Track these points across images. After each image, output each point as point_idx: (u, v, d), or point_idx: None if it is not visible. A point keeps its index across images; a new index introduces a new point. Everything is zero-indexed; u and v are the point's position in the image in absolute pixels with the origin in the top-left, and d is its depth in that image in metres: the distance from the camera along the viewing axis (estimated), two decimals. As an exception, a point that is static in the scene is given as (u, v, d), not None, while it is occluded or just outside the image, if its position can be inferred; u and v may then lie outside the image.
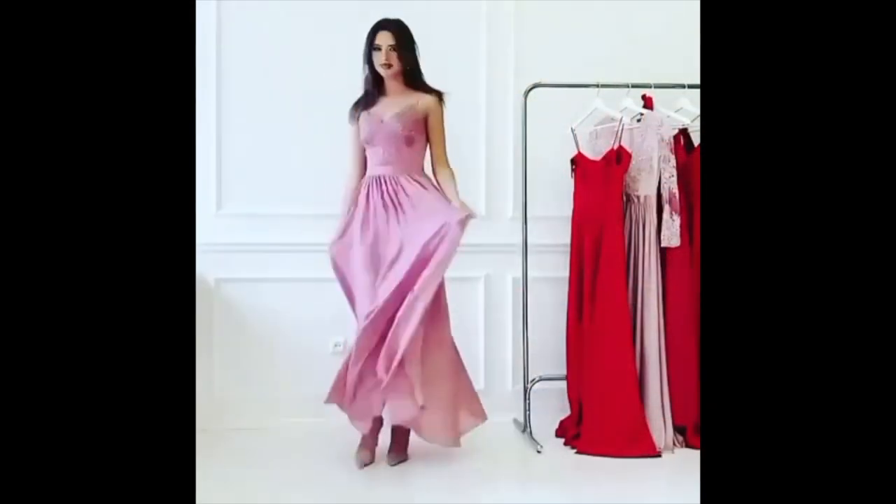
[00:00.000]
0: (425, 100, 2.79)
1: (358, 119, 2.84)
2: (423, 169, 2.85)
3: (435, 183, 2.83)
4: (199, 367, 2.94)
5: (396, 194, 2.76)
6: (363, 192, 2.81)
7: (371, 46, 2.75)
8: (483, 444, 2.96)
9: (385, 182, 2.78)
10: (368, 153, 2.84)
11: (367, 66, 2.80)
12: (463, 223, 2.64)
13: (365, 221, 2.76)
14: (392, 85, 2.80)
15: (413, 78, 2.80)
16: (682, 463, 2.86)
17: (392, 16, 2.76)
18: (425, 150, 2.85)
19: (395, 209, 2.74)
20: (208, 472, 2.57)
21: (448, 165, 2.83)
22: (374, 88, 2.82)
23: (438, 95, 2.80)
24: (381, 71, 2.75)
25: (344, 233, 2.80)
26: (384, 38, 2.73)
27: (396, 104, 2.78)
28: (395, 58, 2.74)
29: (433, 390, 2.64)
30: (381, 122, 2.77)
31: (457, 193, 2.78)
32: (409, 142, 2.78)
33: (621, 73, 3.19)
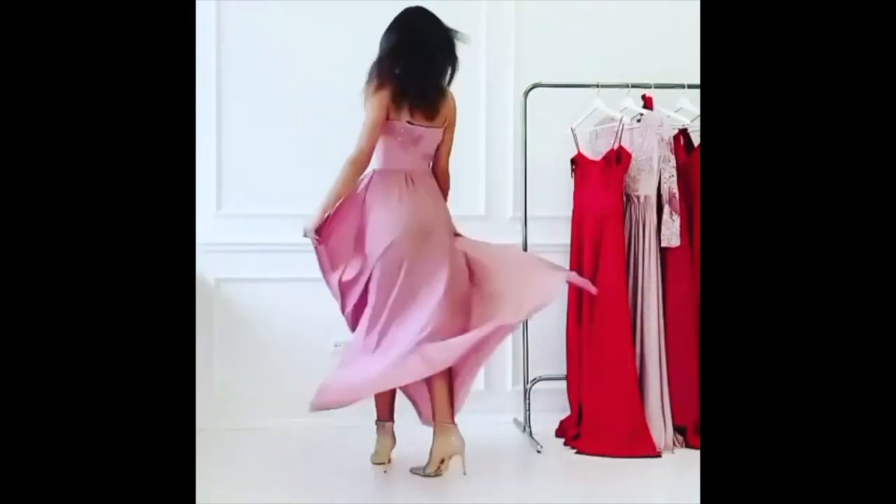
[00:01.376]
0: None
1: None
2: (385, 164, 2.71)
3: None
4: (199, 367, 2.94)
5: None
6: None
7: None
8: (483, 444, 2.96)
9: None
10: None
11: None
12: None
13: None
14: None
15: None
16: (682, 463, 2.86)
17: (392, 15, 2.74)
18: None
19: None
20: (208, 472, 2.57)
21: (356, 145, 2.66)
22: None
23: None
24: None
25: None
26: None
27: None
28: None
29: None
30: None
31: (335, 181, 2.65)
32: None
33: (621, 73, 3.19)
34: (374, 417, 2.78)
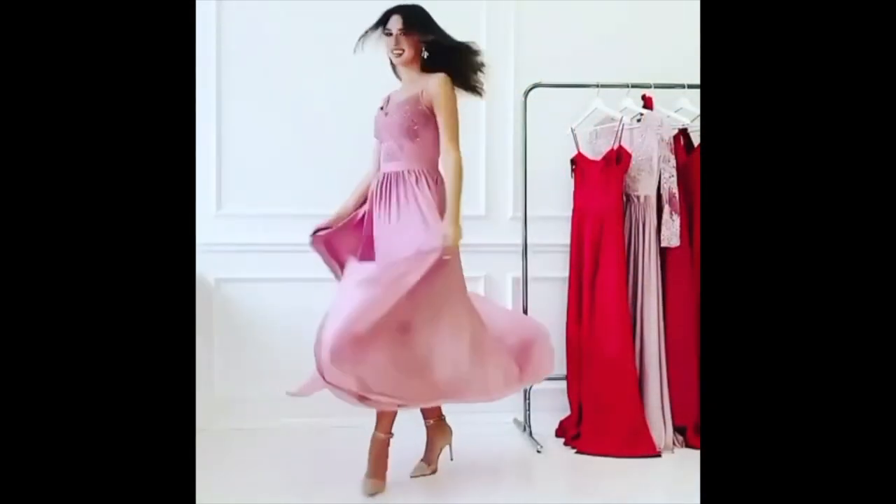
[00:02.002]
0: (432, 82, 2.50)
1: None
2: (437, 164, 2.56)
3: (432, 184, 2.53)
4: (199, 367, 2.94)
5: (391, 196, 2.52)
6: (371, 189, 2.62)
7: (381, 32, 2.56)
8: (483, 444, 2.96)
9: (388, 180, 2.54)
10: (379, 149, 2.63)
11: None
12: (434, 254, 2.37)
13: (367, 220, 2.61)
14: (404, 72, 2.60)
15: (432, 62, 2.56)
16: (682, 463, 2.86)
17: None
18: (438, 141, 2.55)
19: (387, 213, 2.52)
20: (208, 472, 2.57)
21: (454, 151, 2.50)
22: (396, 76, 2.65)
23: (449, 73, 2.52)
24: (392, 58, 2.57)
25: (334, 223, 2.66)
26: (394, 23, 2.53)
27: (405, 92, 2.57)
28: (407, 43, 2.53)
29: None
30: (386, 114, 2.57)
31: (456, 191, 2.46)
32: (413, 135, 2.51)
33: (621, 73, 3.19)
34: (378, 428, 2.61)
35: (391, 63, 2.63)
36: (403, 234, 2.46)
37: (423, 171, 2.53)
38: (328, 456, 2.86)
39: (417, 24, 2.53)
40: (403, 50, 2.53)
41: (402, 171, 2.53)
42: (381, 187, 2.56)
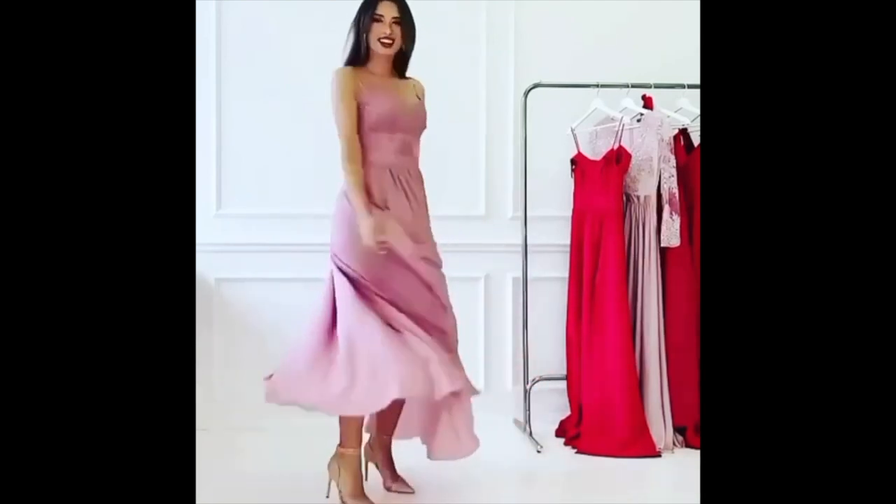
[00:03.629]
0: (422, 90, 2.49)
1: (359, 90, 2.35)
2: None
3: None
4: (199, 367, 2.93)
5: (414, 192, 2.40)
6: (385, 179, 2.37)
7: (368, 16, 2.36)
8: (483, 444, 2.96)
9: (401, 175, 2.38)
10: (378, 138, 2.36)
11: (354, 38, 2.39)
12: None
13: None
14: (381, 66, 2.41)
15: (404, 63, 2.46)
16: (682, 463, 2.86)
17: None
18: None
19: (409, 205, 2.38)
20: (208, 472, 2.57)
21: None
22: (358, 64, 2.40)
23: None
24: (379, 47, 2.35)
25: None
26: (388, 9, 2.34)
27: (402, 89, 2.43)
28: (398, 33, 2.36)
29: None
30: (405, 105, 2.39)
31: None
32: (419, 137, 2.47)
33: (621, 73, 3.19)
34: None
35: (360, 48, 2.39)
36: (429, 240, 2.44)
37: (420, 174, 2.47)
38: (328, 456, 2.85)
39: (408, 14, 2.40)
40: (394, 40, 2.37)
41: (415, 170, 2.44)
42: (397, 180, 2.38)
